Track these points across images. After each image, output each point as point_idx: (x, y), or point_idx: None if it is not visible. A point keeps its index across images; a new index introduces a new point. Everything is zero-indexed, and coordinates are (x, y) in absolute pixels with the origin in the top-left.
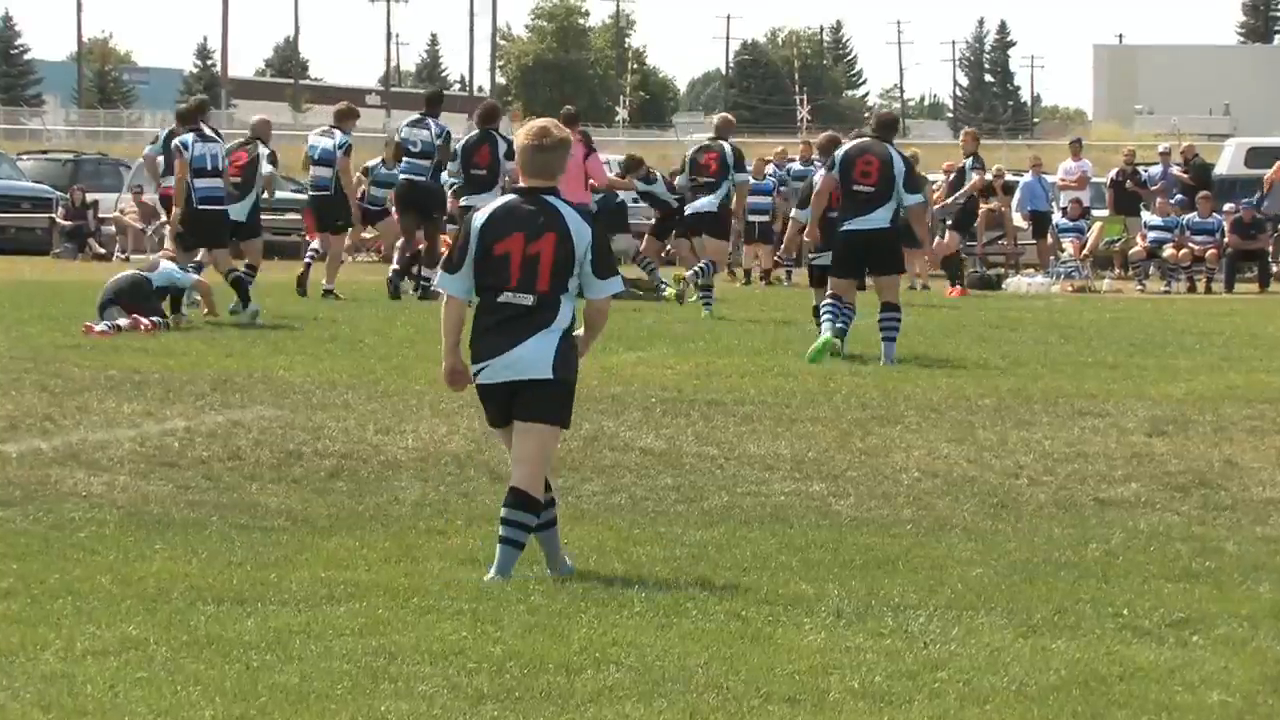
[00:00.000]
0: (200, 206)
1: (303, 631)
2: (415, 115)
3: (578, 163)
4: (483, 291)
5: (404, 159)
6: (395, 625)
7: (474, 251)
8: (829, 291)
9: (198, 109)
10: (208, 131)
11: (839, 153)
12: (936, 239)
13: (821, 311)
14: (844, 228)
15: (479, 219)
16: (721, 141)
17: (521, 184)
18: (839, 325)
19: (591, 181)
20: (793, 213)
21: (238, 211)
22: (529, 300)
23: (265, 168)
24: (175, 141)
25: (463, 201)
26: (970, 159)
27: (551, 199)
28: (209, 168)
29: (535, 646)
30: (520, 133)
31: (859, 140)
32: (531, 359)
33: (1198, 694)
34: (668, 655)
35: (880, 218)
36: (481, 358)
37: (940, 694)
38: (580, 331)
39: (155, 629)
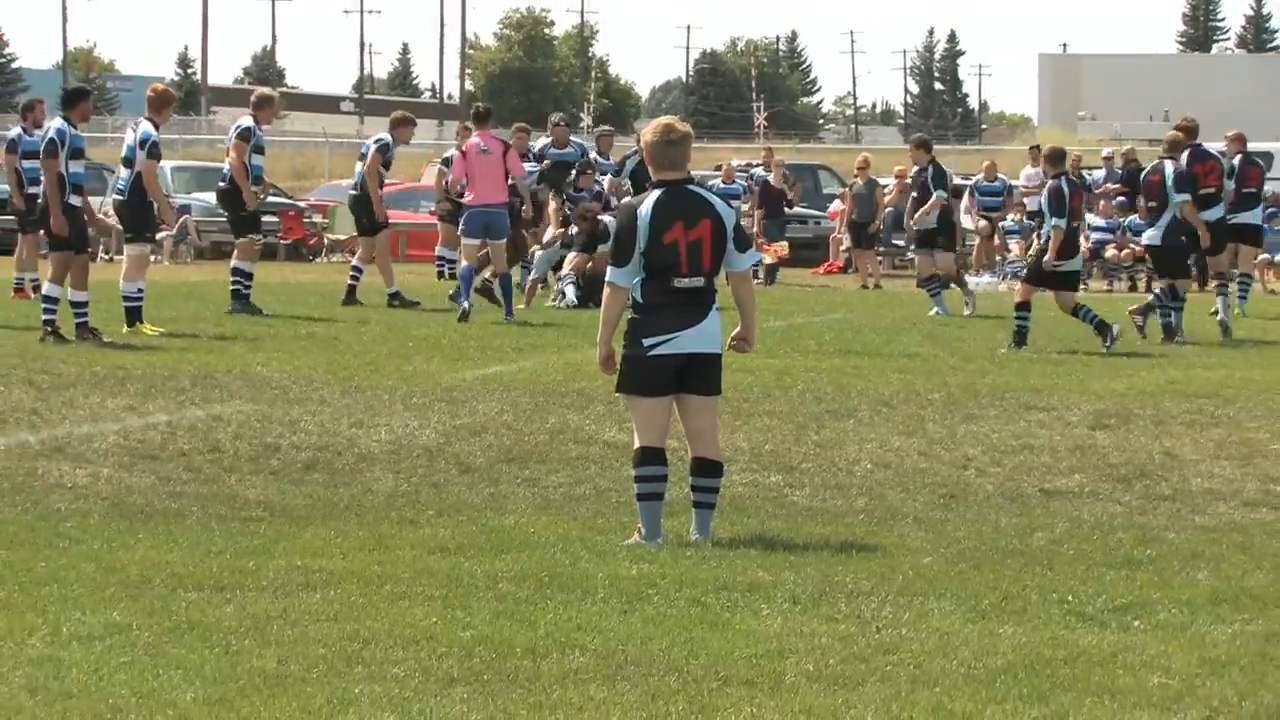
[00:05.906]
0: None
1: (280, 617)
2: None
3: (498, 160)
4: (653, 277)
5: None
6: (368, 611)
7: (643, 242)
8: (1171, 286)
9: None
10: None
11: (1237, 160)
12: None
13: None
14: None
15: (645, 212)
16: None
17: (657, 177)
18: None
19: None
20: (1052, 222)
21: None
22: (701, 282)
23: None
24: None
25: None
26: None
27: (694, 188)
28: None
29: (503, 632)
30: (647, 131)
31: (1202, 147)
32: (713, 334)
33: (1139, 676)
34: (630, 640)
35: (1216, 212)
36: (665, 331)
37: (892, 677)
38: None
39: (138, 615)
